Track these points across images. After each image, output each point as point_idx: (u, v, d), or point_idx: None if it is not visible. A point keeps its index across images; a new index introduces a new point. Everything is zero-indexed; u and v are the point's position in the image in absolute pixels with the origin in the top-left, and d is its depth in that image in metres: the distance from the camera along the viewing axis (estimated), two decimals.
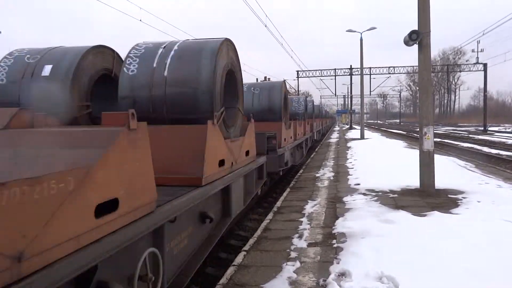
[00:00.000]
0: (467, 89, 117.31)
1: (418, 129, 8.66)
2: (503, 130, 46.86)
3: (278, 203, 7.97)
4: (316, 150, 21.54)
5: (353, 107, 55.51)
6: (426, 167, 8.22)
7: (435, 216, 6.13)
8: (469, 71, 50.62)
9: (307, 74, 50.37)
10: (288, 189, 9.58)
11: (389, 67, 49.64)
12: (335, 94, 54.65)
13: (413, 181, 8.64)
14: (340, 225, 5.85)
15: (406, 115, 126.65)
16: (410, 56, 60.54)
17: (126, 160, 2.35)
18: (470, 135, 36.53)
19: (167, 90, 4.23)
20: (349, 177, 10.59)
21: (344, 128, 56.55)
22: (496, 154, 19.40)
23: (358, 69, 36.19)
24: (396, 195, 7.90)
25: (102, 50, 4.70)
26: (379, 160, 13.45)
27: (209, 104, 4.21)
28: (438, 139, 28.39)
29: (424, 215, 6.20)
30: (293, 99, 16.64)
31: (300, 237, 5.51)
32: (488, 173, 10.65)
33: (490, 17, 60.29)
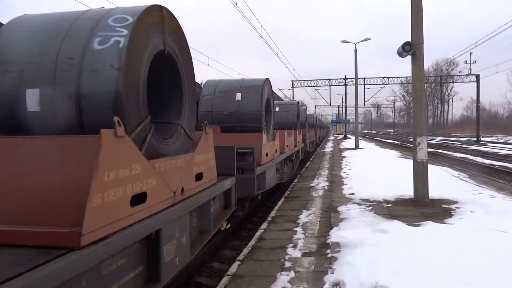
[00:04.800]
0: (460, 99, 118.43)
1: (412, 139, 8.72)
2: (496, 140, 47.27)
3: (273, 213, 7.95)
4: (311, 159, 21.58)
5: (347, 117, 55.79)
6: (420, 177, 8.27)
7: (429, 226, 6.15)
8: (462, 82, 51.29)
9: (302, 84, 50.65)
10: (282, 199, 9.57)
11: (383, 78, 50.09)
12: (330, 104, 54.99)
13: (407, 191, 8.67)
14: (335, 235, 5.85)
15: (400, 125, 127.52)
16: (404, 66, 61.24)
17: None
18: (463, 145, 36.80)
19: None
20: (343, 186, 10.61)
21: (338, 138, 56.77)
22: (489, 164, 19.54)
23: (353, 79, 36.53)
24: (390, 205, 7.92)
25: None
26: (373, 170, 13.50)
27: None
28: (432, 149, 28.57)
29: (418, 225, 6.22)
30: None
31: (295, 246, 5.49)
32: (481, 183, 10.71)
33: (482, 29, 61.30)
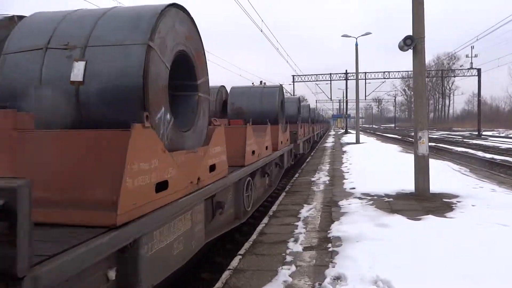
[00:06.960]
0: (461, 94, 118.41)
1: (413, 133, 8.71)
2: (497, 134, 47.22)
3: (274, 207, 7.97)
4: (312, 154, 21.57)
5: (348, 112, 55.71)
6: (421, 171, 8.26)
7: (430, 220, 6.15)
8: (463, 76, 51.16)
9: (303, 78, 50.54)
10: (283, 193, 9.58)
11: (384, 72, 49.99)
12: (331, 98, 54.93)
13: (408, 185, 8.67)
14: (336, 229, 5.86)
15: (401, 119, 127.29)
16: (406, 60, 61.05)
17: None
18: (465, 140, 36.76)
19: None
20: (344, 181, 10.61)
21: (339, 133, 56.71)
22: (490, 158, 19.53)
23: (354, 74, 36.43)
24: (391, 199, 7.92)
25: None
26: (375, 164, 13.49)
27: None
28: (433, 144, 28.54)
29: (419, 219, 6.22)
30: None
31: (296, 241, 5.50)
32: (482, 177, 10.71)
33: (484, 23, 61.03)
